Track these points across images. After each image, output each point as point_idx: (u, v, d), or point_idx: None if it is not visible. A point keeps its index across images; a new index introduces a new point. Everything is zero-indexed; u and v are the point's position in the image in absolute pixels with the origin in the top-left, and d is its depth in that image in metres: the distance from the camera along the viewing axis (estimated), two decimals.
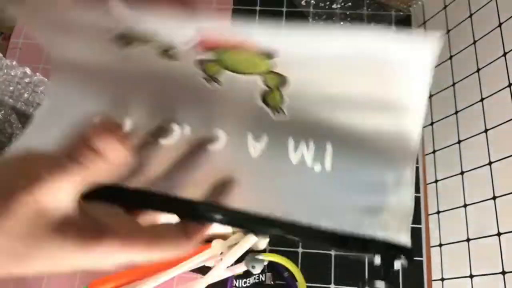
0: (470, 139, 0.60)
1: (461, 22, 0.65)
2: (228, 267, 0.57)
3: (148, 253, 0.28)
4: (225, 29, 0.28)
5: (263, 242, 0.59)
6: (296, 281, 0.62)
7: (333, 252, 0.64)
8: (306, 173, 0.32)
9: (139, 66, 0.33)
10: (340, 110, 0.30)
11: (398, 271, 0.63)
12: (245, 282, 0.59)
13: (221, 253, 0.56)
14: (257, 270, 0.58)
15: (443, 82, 0.68)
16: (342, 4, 0.81)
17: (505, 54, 0.55)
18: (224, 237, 0.58)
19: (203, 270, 0.60)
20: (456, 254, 0.59)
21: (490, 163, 0.55)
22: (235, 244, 0.58)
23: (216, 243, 0.56)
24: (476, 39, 0.61)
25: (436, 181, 0.66)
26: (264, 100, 0.32)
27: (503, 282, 0.50)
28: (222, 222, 0.30)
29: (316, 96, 0.30)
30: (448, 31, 0.69)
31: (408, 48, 0.25)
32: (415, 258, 0.63)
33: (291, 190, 0.32)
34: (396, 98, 0.29)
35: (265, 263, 0.60)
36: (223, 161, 0.33)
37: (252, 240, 0.56)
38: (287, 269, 0.63)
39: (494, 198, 0.53)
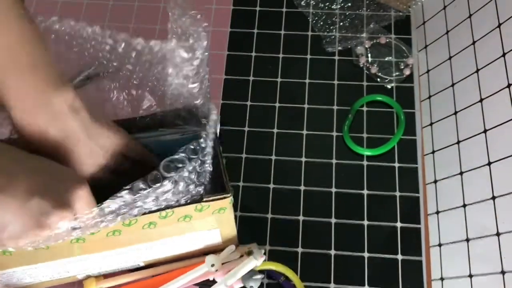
0: (469, 140, 0.60)
1: (461, 22, 0.66)
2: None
3: None
4: None
5: (260, 261, 0.59)
6: (291, 281, 0.62)
7: (333, 252, 0.65)
8: None
9: None
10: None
11: (397, 271, 0.63)
12: None
13: (212, 265, 0.56)
14: None
15: (442, 82, 0.68)
16: (342, 4, 0.81)
17: (504, 54, 0.55)
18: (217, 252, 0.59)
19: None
20: (456, 254, 0.59)
21: (489, 163, 0.55)
22: (232, 260, 0.58)
23: (209, 258, 0.56)
24: (475, 39, 0.62)
25: (436, 181, 0.66)
26: None
27: (502, 282, 0.50)
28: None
29: None
30: (448, 31, 0.69)
31: None
32: (415, 258, 0.64)
33: None
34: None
35: (263, 279, 0.61)
36: None
37: (253, 263, 0.57)
38: (282, 274, 0.63)
39: (493, 198, 0.53)
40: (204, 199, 0.47)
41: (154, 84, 0.49)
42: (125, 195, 0.41)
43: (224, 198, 0.47)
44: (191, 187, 0.44)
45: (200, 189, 0.46)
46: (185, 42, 0.42)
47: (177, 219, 0.49)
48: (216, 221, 0.52)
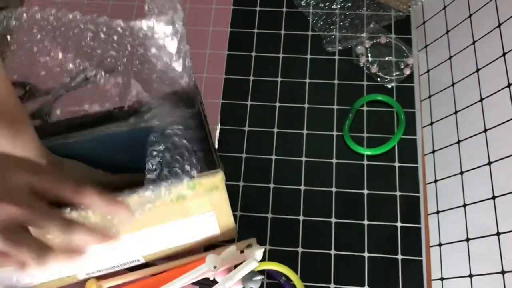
0: (469, 139, 0.60)
1: (461, 22, 0.66)
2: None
3: None
4: None
5: (260, 252, 0.59)
6: (291, 281, 0.62)
7: (333, 252, 0.65)
8: None
9: None
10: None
11: (397, 270, 0.63)
12: None
13: (215, 267, 0.55)
14: None
15: (442, 82, 0.68)
16: (342, 4, 0.81)
17: (504, 54, 0.55)
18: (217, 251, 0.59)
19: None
20: (456, 253, 0.59)
21: (489, 163, 0.55)
22: (232, 259, 0.58)
23: (209, 258, 0.56)
24: (475, 39, 0.62)
25: (436, 181, 0.66)
26: None
27: (502, 282, 0.50)
28: None
29: None
30: (448, 31, 0.69)
31: None
32: (415, 258, 0.64)
33: None
34: None
35: (263, 279, 0.61)
36: None
37: (254, 264, 0.56)
38: (283, 275, 0.63)
39: (493, 198, 0.53)
40: (195, 175, 0.46)
41: (139, 69, 0.49)
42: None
43: (216, 173, 0.47)
44: (184, 166, 0.46)
45: (186, 164, 0.46)
46: (164, 16, 0.43)
47: (170, 199, 0.48)
48: (210, 203, 0.52)
